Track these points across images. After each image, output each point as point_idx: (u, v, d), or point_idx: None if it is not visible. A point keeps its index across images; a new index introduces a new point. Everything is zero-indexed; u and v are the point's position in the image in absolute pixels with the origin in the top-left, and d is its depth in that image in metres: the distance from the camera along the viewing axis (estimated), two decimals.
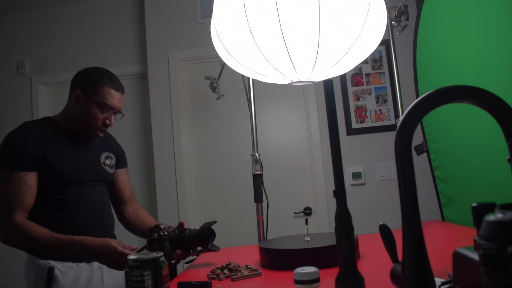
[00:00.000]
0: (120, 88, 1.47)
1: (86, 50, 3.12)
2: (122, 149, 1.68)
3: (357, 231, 0.98)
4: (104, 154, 1.55)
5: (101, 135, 1.49)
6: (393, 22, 1.76)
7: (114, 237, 1.54)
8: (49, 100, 3.17)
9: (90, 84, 1.44)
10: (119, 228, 1.61)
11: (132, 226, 1.59)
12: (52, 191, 1.37)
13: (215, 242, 1.35)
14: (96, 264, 1.42)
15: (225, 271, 1.13)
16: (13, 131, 1.38)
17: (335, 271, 0.72)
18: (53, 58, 3.15)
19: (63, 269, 1.34)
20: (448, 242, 1.40)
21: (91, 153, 1.51)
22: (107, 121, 1.45)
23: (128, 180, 1.67)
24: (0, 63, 3.20)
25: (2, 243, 1.33)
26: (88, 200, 1.44)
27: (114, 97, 1.44)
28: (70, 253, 1.31)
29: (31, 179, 1.32)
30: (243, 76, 1.78)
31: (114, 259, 1.23)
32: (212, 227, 1.34)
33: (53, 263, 1.33)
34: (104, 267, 1.43)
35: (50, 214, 1.35)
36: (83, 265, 1.39)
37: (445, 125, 1.68)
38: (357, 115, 2.80)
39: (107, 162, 1.54)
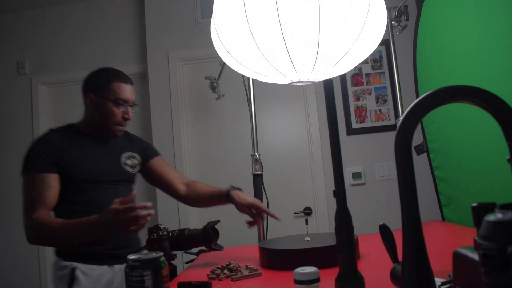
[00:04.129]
0: (128, 80, 1.52)
1: (86, 50, 3.12)
2: (146, 142, 1.73)
3: (357, 231, 0.98)
4: (126, 154, 1.58)
5: (123, 129, 1.53)
6: (393, 22, 1.76)
7: (138, 238, 1.56)
8: (49, 100, 3.17)
9: (99, 84, 1.48)
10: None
11: (193, 202, 1.61)
12: (75, 193, 1.42)
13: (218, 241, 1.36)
14: (117, 266, 1.44)
15: (225, 271, 1.13)
16: (37, 138, 1.47)
17: (335, 271, 0.72)
18: (53, 58, 3.15)
19: (85, 270, 1.39)
20: (448, 242, 1.40)
21: (111, 155, 1.54)
22: (125, 115, 1.49)
23: (166, 163, 1.69)
24: (0, 63, 3.20)
25: (30, 244, 1.36)
26: (109, 202, 1.41)
27: (125, 90, 1.48)
28: (85, 235, 1.28)
29: (52, 180, 1.38)
30: (243, 76, 1.79)
31: (118, 220, 1.17)
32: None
33: (75, 264, 1.38)
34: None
35: (75, 215, 1.33)
36: (105, 267, 1.42)
37: (445, 125, 1.68)
38: (357, 115, 2.80)
39: (129, 162, 1.58)
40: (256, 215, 1.38)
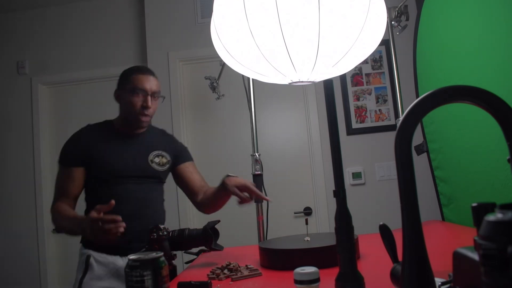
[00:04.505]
0: (146, 71, 1.60)
1: (86, 50, 3.12)
2: (182, 145, 1.78)
3: (357, 231, 0.98)
4: (155, 152, 1.64)
5: (145, 119, 1.58)
6: (393, 22, 1.76)
7: None
8: (49, 100, 3.17)
9: (122, 79, 1.61)
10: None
11: (203, 205, 1.65)
12: (100, 186, 1.54)
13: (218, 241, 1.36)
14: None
15: (225, 271, 1.13)
16: (74, 133, 1.60)
17: (335, 271, 0.72)
18: (53, 58, 3.15)
19: (98, 258, 1.50)
20: (448, 242, 1.40)
21: (139, 152, 1.61)
22: (144, 104, 1.55)
23: (196, 170, 1.74)
24: (0, 63, 3.20)
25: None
26: (131, 196, 1.54)
27: (142, 80, 1.56)
28: (75, 231, 1.45)
29: (76, 173, 1.53)
30: (243, 76, 1.79)
31: (91, 228, 1.24)
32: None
33: (91, 252, 1.52)
34: None
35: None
36: (117, 257, 1.52)
37: (445, 125, 1.68)
38: (357, 115, 2.80)
39: (156, 160, 1.64)
40: (244, 196, 1.40)
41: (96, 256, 1.51)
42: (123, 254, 1.51)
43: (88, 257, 1.50)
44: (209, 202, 1.61)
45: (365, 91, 2.82)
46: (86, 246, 1.55)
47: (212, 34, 1.03)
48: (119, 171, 1.54)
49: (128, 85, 1.56)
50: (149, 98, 1.56)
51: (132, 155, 1.59)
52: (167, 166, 1.67)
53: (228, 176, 1.48)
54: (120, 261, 1.51)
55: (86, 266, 1.49)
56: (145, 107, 1.55)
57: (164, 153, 1.66)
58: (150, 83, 1.57)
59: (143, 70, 1.61)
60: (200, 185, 1.69)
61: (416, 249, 0.54)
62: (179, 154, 1.71)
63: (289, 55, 0.87)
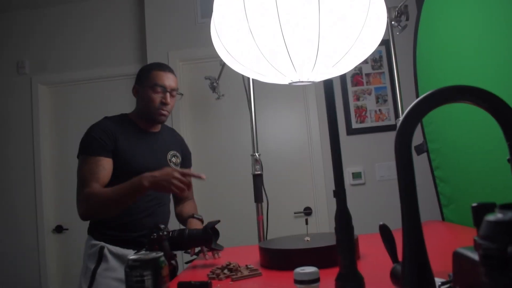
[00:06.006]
0: (166, 68, 1.63)
1: (86, 49, 3.12)
2: (189, 150, 1.84)
3: (357, 231, 0.98)
4: (172, 152, 1.70)
5: (164, 113, 1.61)
6: (393, 22, 1.76)
7: None
8: (50, 100, 3.17)
9: (142, 75, 1.64)
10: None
11: (177, 217, 1.75)
12: (117, 179, 1.48)
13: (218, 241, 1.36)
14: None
15: (225, 271, 1.13)
16: (93, 124, 1.58)
17: (335, 271, 0.72)
18: (53, 58, 3.15)
19: (112, 250, 1.51)
20: (448, 242, 1.40)
21: (159, 149, 1.66)
22: (163, 100, 1.59)
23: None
24: (0, 63, 3.20)
25: (83, 220, 1.49)
26: (148, 193, 1.52)
27: (162, 76, 1.60)
28: (132, 194, 1.38)
29: (106, 163, 1.50)
30: (243, 76, 1.79)
31: (170, 176, 1.32)
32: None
33: (103, 243, 1.51)
34: None
35: None
36: (130, 251, 1.49)
37: (443, 126, 1.68)
38: (357, 115, 2.80)
39: (173, 159, 1.69)
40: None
41: (110, 248, 1.51)
42: (135, 248, 1.52)
43: (102, 248, 1.51)
44: (178, 217, 1.74)
45: (365, 91, 2.82)
46: (96, 238, 1.55)
47: (212, 34, 1.03)
48: (140, 167, 1.53)
49: (147, 81, 1.59)
50: (168, 95, 1.60)
51: (153, 152, 1.62)
52: (179, 167, 1.71)
53: (193, 216, 1.59)
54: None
55: (100, 257, 1.50)
56: (164, 103, 1.59)
57: (177, 154, 1.72)
58: (170, 80, 1.61)
59: (163, 67, 1.64)
60: (186, 196, 1.77)
61: (416, 249, 0.54)
62: (185, 159, 1.78)
63: (289, 55, 0.87)
